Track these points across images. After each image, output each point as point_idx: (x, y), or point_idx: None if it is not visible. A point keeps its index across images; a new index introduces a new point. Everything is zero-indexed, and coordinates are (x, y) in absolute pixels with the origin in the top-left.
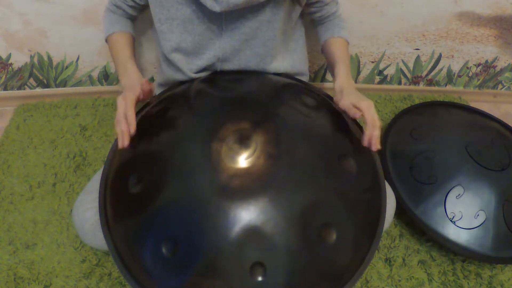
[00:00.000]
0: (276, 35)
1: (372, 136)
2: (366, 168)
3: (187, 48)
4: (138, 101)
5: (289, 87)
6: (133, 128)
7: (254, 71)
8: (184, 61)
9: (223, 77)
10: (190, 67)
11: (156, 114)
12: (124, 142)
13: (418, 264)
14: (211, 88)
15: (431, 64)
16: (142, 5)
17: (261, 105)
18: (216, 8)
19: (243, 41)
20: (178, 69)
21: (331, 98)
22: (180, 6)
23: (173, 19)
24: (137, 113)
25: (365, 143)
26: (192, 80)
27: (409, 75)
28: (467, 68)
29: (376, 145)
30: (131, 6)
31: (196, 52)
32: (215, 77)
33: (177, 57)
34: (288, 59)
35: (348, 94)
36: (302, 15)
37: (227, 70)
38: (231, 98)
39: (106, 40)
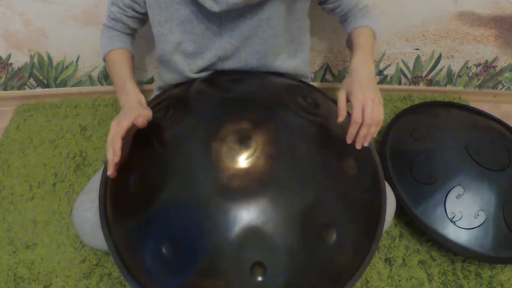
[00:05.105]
0: (277, 32)
1: (358, 135)
2: (366, 168)
3: (188, 49)
4: (135, 125)
5: (290, 88)
6: (116, 157)
7: (255, 71)
8: (184, 63)
9: (224, 77)
10: (190, 68)
11: (156, 114)
12: (110, 170)
13: (418, 264)
14: (212, 88)
15: (431, 64)
16: (143, 13)
17: (261, 105)
18: (215, 8)
19: (243, 40)
20: (178, 71)
21: (331, 98)
22: (178, 6)
23: (172, 20)
24: None
25: (347, 140)
26: (192, 80)
27: (409, 75)
28: (467, 68)
29: (360, 142)
30: (131, 17)
31: (197, 52)
32: (216, 77)
33: (178, 59)
34: (292, 61)
35: (352, 81)
36: (312, 16)
37: (228, 69)
38: (232, 98)
39: (104, 59)
